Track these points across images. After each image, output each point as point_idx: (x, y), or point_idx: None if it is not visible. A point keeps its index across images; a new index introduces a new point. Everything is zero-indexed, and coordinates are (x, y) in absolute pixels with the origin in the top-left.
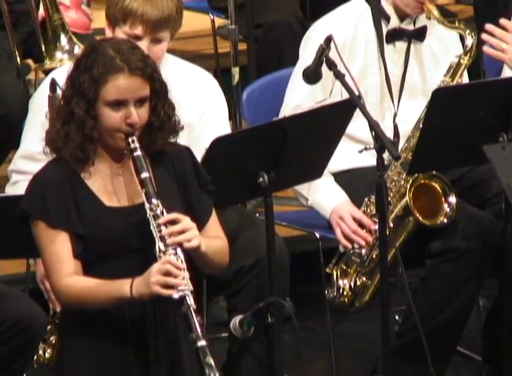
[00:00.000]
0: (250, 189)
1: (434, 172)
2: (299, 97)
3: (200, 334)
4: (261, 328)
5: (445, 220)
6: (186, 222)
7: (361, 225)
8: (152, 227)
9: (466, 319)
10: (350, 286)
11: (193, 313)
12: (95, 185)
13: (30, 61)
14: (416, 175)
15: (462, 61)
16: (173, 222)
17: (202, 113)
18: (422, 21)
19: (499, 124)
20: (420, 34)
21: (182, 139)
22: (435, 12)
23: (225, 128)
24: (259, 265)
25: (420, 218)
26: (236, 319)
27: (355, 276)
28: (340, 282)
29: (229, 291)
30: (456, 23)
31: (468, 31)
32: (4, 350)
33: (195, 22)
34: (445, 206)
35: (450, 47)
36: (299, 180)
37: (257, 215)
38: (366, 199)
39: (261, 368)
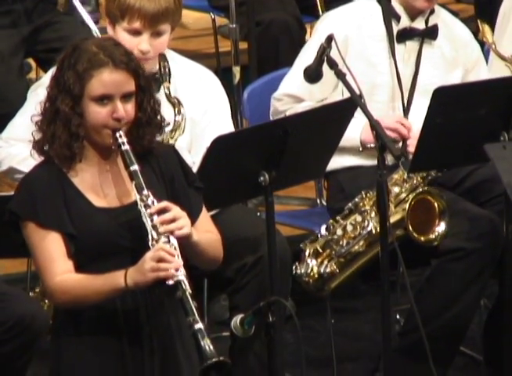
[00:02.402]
0: (251, 188)
1: (437, 189)
2: (293, 86)
3: (197, 317)
4: (262, 327)
5: (432, 240)
6: (177, 210)
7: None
8: (143, 217)
9: (470, 320)
10: (318, 270)
11: (189, 297)
12: (83, 184)
13: (30, 60)
14: (419, 189)
15: None
16: (164, 211)
17: (204, 111)
18: (434, 20)
19: (500, 123)
20: (431, 33)
21: (185, 135)
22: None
23: (227, 125)
24: (261, 263)
25: (411, 229)
26: (237, 319)
27: (326, 260)
28: (309, 261)
29: (231, 289)
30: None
31: None
32: (6, 349)
33: (195, 21)
34: (437, 227)
35: (461, 47)
36: (300, 179)
37: (258, 213)
38: (363, 192)
39: (262, 367)
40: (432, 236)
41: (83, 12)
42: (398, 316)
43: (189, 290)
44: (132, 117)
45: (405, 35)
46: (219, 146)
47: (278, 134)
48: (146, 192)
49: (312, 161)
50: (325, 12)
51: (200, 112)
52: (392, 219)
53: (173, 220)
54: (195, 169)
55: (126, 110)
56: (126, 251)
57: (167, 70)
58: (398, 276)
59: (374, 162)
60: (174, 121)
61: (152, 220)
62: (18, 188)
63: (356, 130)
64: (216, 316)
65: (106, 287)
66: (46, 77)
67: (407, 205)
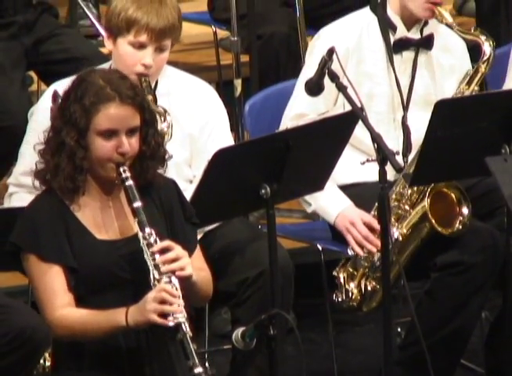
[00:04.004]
0: (252, 201)
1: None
2: (301, 106)
3: (196, 361)
4: (264, 340)
5: (460, 229)
6: (179, 250)
7: (371, 229)
8: (146, 256)
9: (470, 333)
10: (360, 290)
11: (189, 340)
12: (85, 217)
13: (32, 73)
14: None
15: (479, 69)
16: (166, 250)
17: (203, 125)
18: (429, 30)
19: (502, 136)
20: (427, 43)
21: (185, 151)
22: (447, 16)
23: (227, 139)
24: (263, 277)
25: (436, 225)
26: (238, 332)
27: (363, 280)
28: (348, 285)
29: (233, 302)
30: (472, 30)
31: (485, 38)
32: (7, 362)
33: (197, 34)
34: (459, 216)
35: (455, 56)
36: (301, 192)
37: (260, 226)
38: (377, 209)
39: None
40: (459, 226)
41: (92, 18)
42: (399, 329)
43: (189, 333)
44: (136, 151)
45: (402, 45)
46: (220, 159)
47: (279, 147)
48: (148, 230)
49: (314, 174)
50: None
51: (198, 127)
52: (414, 220)
53: (175, 260)
54: (195, 183)
55: (130, 144)
56: (126, 284)
57: (146, 84)
58: (400, 288)
59: (375, 178)
60: (161, 128)
61: (154, 259)
62: (19, 220)
63: (336, 207)
64: (217, 329)
65: (107, 325)
66: (42, 102)
67: (426, 202)
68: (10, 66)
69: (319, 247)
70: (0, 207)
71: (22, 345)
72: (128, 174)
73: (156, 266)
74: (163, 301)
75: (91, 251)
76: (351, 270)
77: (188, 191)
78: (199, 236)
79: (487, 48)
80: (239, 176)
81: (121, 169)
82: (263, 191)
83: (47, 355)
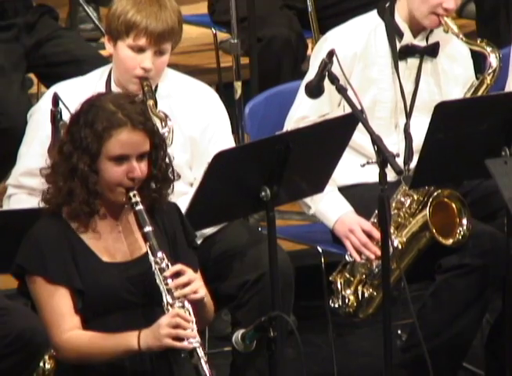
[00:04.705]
0: (252, 204)
1: (451, 190)
2: (305, 108)
3: None
4: (264, 342)
5: (460, 239)
6: (191, 273)
7: (370, 236)
8: (158, 280)
9: (473, 336)
10: (356, 296)
11: (204, 365)
12: (91, 240)
13: (32, 75)
14: (435, 193)
15: (485, 81)
16: (178, 274)
17: (204, 128)
18: (435, 38)
19: (502, 138)
20: (432, 51)
21: (186, 154)
22: (453, 26)
23: (228, 141)
24: (263, 280)
25: (437, 235)
26: (238, 334)
27: (360, 287)
28: (344, 292)
29: (233, 304)
30: (478, 41)
31: (491, 49)
32: (6, 364)
33: (197, 36)
34: (460, 227)
35: (460, 64)
36: (301, 194)
37: (260, 229)
38: (377, 210)
39: None
40: (458, 236)
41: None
42: (399, 331)
43: (204, 357)
44: (145, 176)
45: (407, 52)
46: (220, 161)
47: (279, 149)
48: (160, 254)
49: (314, 176)
50: (317, 32)
51: (199, 129)
52: (414, 228)
53: (187, 283)
54: (196, 185)
55: (140, 168)
56: (133, 306)
57: (147, 88)
58: (400, 290)
59: (375, 179)
60: (162, 133)
61: (167, 283)
62: (25, 242)
63: (336, 213)
64: (217, 331)
65: (118, 348)
66: (41, 103)
67: (427, 211)
68: (10, 68)
69: (320, 250)
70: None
71: (22, 347)
72: (138, 198)
73: (169, 291)
74: (177, 326)
75: (98, 274)
76: (348, 276)
77: (188, 194)
78: (199, 241)
79: (493, 60)
80: (239, 178)
81: (131, 194)
82: (263, 193)
83: (47, 357)
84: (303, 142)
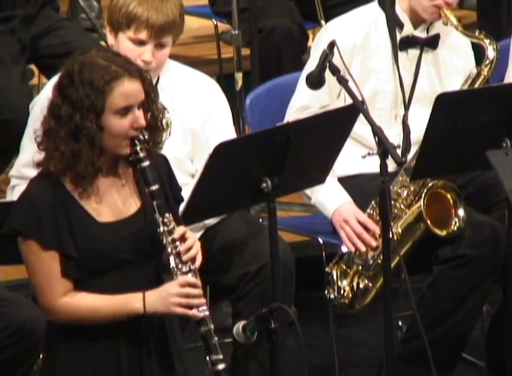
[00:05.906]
0: (253, 195)
1: (446, 181)
2: (305, 97)
3: (221, 356)
4: (265, 334)
5: (455, 231)
6: (193, 235)
7: (365, 228)
8: (166, 243)
9: (472, 326)
10: (351, 287)
11: (213, 334)
12: (86, 201)
13: (33, 66)
14: (430, 184)
15: (482, 72)
16: (183, 237)
17: (206, 120)
18: (435, 29)
19: (503, 129)
20: (432, 42)
21: (187, 145)
22: (453, 19)
23: (230, 133)
24: (264, 271)
25: (431, 226)
26: (239, 325)
27: (355, 278)
28: (340, 283)
29: (234, 296)
30: (477, 33)
31: (489, 42)
32: (7, 356)
33: (198, 27)
34: (455, 218)
35: (461, 56)
36: (302, 185)
37: (261, 220)
38: (373, 202)
39: (264, 374)
40: (454, 227)
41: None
42: (400, 323)
43: (212, 327)
44: (145, 124)
45: (408, 43)
46: (221, 152)
47: (280, 140)
48: (168, 215)
49: (315, 167)
50: (323, 18)
51: (200, 121)
52: (409, 219)
53: (192, 247)
54: (197, 177)
55: (142, 117)
56: (129, 264)
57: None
58: (400, 282)
59: (376, 170)
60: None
61: (176, 247)
62: (20, 204)
63: (334, 203)
64: (218, 322)
65: (122, 311)
66: (44, 93)
67: (422, 202)
68: (10, 59)
69: (320, 241)
70: (2, 201)
71: (22, 338)
72: (144, 153)
73: (178, 254)
74: (187, 296)
75: (94, 236)
76: (344, 267)
77: (190, 185)
78: (200, 233)
79: (490, 52)
80: (240, 170)
81: (138, 148)
82: (264, 185)
83: None
84: (304, 134)
